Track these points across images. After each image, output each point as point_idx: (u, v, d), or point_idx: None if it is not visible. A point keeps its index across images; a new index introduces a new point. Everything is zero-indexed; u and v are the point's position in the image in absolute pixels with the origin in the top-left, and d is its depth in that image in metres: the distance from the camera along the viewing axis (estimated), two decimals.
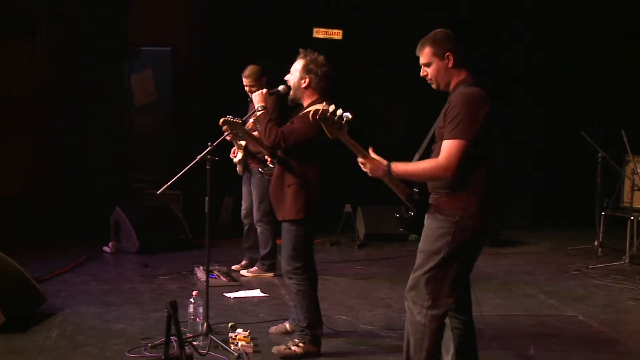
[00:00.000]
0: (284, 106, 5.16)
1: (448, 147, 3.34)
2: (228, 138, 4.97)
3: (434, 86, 3.62)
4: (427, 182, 3.51)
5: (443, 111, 3.48)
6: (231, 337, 4.78)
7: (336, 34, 10.09)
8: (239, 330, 4.87)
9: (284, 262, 4.66)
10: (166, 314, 4.23)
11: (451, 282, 3.47)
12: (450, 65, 3.53)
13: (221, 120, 4.76)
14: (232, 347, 4.64)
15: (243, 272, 6.87)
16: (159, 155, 10.17)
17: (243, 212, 6.94)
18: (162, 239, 8.05)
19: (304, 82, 4.56)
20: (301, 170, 4.51)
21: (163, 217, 8.31)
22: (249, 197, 6.79)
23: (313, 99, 4.57)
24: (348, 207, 8.63)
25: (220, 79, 9.66)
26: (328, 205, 4.69)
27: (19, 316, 5.08)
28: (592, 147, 7.99)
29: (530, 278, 7.07)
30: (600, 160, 8.02)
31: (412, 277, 3.57)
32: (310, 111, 4.52)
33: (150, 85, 10.40)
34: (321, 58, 4.60)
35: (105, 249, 7.88)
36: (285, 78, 4.68)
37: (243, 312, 5.59)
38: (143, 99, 10.43)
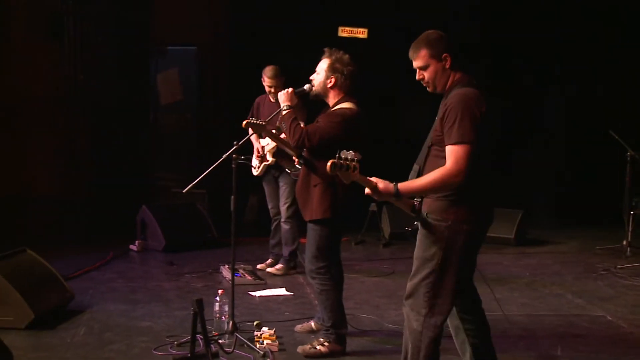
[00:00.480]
0: (313, 106, 5.14)
1: (454, 152, 3.25)
2: (255, 140, 5.00)
3: (429, 89, 3.53)
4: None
5: (439, 116, 3.39)
6: (257, 335, 4.79)
7: (361, 33, 10.06)
8: (265, 329, 4.88)
9: (307, 261, 4.66)
10: (192, 312, 4.26)
11: (449, 288, 3.38)
12: (447, 66, 3.45)
13: (244, 122, 4.78)
14: (258, 345, 4.65)
15: (269, 269, 6.88)
16: (184, 154, 10.22)
17: (272, 210, 6.94)
18: (187, 237, 8.10)
19: (330, 82, 4.55)
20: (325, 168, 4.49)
21: (189, 216, 8.36)
22: (276, 195, 6.83)
23: (339, 98, 4.56)
24: (373, 206, 8.61)
25: (245, 78, 9.68)
26: (354, 205, 4.67)
27: (47, 313, 5.14)
28: (620, 146, 7.89)
29: (557, 278, 7.00)
30: (629, 158, 7.92)
31: (409, 284, 3.50)
32: (336, 109, 4.53)
33: (176, 85, 10.45)
34: (346, 57, 4.59)
35: (132, 247, 7.94)
36: (311, 77, 4.67)
37: (268, 311, 5.61)
38: (169, 98, 10.49)
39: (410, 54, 3.51)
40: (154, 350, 4.61)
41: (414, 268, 3.50)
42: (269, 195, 6.93)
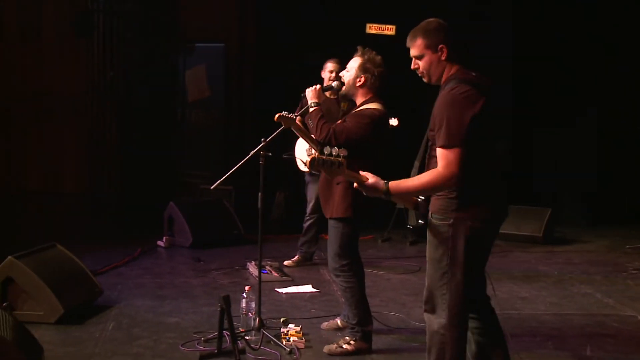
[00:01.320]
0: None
1: (444, 156, 3.18)
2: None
3: (425, 79, 3.45)
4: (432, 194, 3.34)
5: (432, 113, 3.33)
6: (283, 332, 4.80)
7: (389, 30, 10.02)
8: (291, 326, 4.89)
9: (330, 259, 4.65)
10: (219, 309, 4.28)
11: (462, 286, 3.31)
12: (443, 58, 3.35)
13: (276, 115, 4.76)
14: (284, 342, 4.66)
15: (286, 262, 6.89)
16: (212, 150, 10.26)
17: (312, 207, 6.85)
18: (214, 234, 8.13)
19: (360, 81, 4.55)
20: (351, 167, 4.47)
21: (216, 212, 8.38)
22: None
23: (367, 98, 4.55)
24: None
25: (272, 75, 9.71)
26: (380, 203, 4.65)
27: (76, 308, 5.20)
28: None
29: (585, 276, 6.93)
30: None
31: (425, 287, 3.46)
32: (364, 110, 4.51)
33: (204, 81, 10.50)
34: (378, 58, 4.57)
35: (159, 243, 7.99)
36: (341, 74, 4.67)
37: (295, 308, 5.61)
38: (196, 95, 10.53)
39: (407, 42, 3.44)
40: (181, 346, 4.64)
41: (427, 270, 3.45)
42: (311, 192, 6.82)
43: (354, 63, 4.57)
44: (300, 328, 4.85)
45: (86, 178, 9.45)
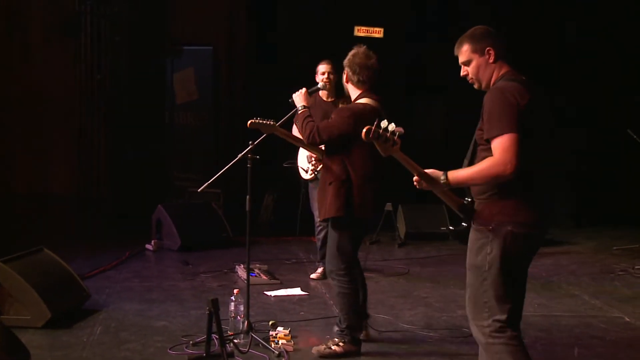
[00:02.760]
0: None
1: (500, 144, 3.08)
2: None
3: (475, 86, 3.40)
4: (490, 184, 3.21)
5: (481, 114, 3.26)
6: (272, 335, 4.79)
7: (377, 33, 10.05)
8: (280, 329, 4.88)
9: (327, 262, 4.66)
10: (207, 312, 4.26)
11: (504, 293, 3.21)
12: (490, 61, 3.32)
13: (249, 122, 4.75)
14: (273, 345, 4.65)
15: (312, 275, 6.65)
16: (200, 153, 10.25)
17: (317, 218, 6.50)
18: (203, 237, 8.12)
19: (343, 77, 4.59)
20: (343, 167, 4.48)
21: (204, 215, 8.38)
22: None
23: (358, 94, 4.56)
24: (389, 206, 8.57)
25: (261, 78, 9.71)
26: (378, 204, 4.63)
27: (64, 312, 5.17)
28: (637, 144, 7.83)
29: (573, 278, 6.96)
30: None
31: (467, 297, 3.33)
32: (348, 105, 4.53)
33: (192, 84, 10.49)
34: (362, 50, 4.56)
35: (148, 246, 7.97)
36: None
37: (283, 311, 5.61)
38: (185, 98, 10.52)
39: (455, 50, 3.41)
40: (170, 349, 4.62)
41: (467, 279, 3.33)
42: (316, 202, 6.60)
43: (346, 61, 4.59)
44: (289, 331, 4.84)
45: (74, 180, 9.41)
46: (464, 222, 3.34)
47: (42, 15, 9.26)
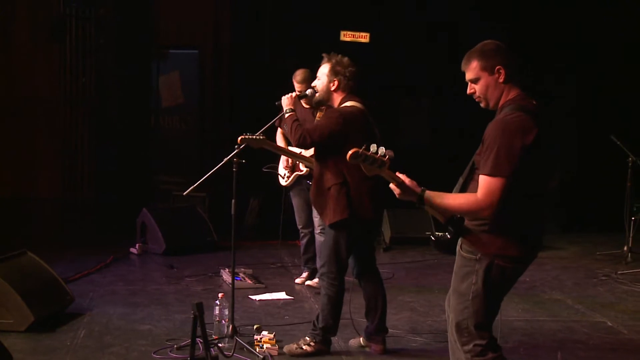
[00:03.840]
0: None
1: (487, 183, 3.02)
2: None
3: (482, 104, 3.25)
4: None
5: (483, 138, 3.16)
6: (256, 339, 4.79)
7: (363, 37, 10.08)
8: (264, 333, 4.87)
9: (320, 264, 4.67)
10: (192, 316, 4.25)
11: (484, 321, 3.22)
12: (501, 80, 3.15)
13: (239, 138, 4.76)
14: (257, 349, 4.65)
15: (309, 282, 6.51)
16: (185, 157, 10.24)
17: (301, 223, 6.47)
18: (188, 240, 8.10)
19: (333, 85, 4.59)
20: (338, 170, 4.49)
21: (189, 219, 8.36)
22: (306, 207, 6.33)
23: (341, 98, 4.60)
24: None
25: (247, 81, 9.71)
26: (381, 204, 4.63)
27: (48, 316, 5.14)
28: (621, 151, 7.90)
29: (557, 283, 7.00)
30: (630, 164, 7.92)
31: (449, 320, 3.32)
32: (344, 106, 4.53)
33: (178, 88, 10.47)
34: (346, 59, 4.63)
35: (132, 250, 7.94)
36: (313, 84, 4.69)
37: (268, 315, 5.60)
38: (170, 101, 10.51)
39: (462, 65, 3.24)
40: (154, 353, 4.61)
41: (451, 301, 3.31)
42: (299, 208, 6.44)
43: (324, 69, 4.61)
44: (274, 335, 4.84)
45: (59, 184, 9.37)
46: (449, 235, 3.22)
47: (27, 18, 9.23)
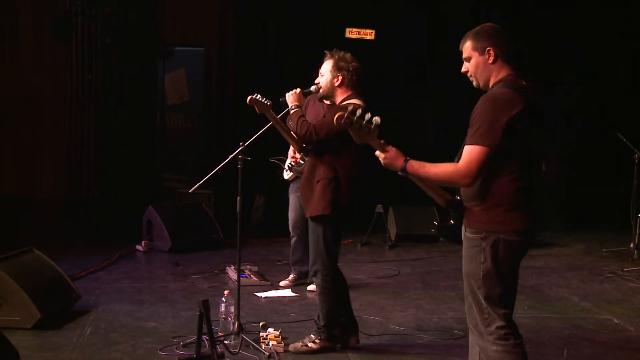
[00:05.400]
0: None
1: (468, 152, 3.12)
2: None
3: (474, 84, 3.37)
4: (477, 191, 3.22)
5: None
6: (262, 336, 4.79)
7: (368, 34, 10.07)
8: (270, 330, 4.88)
9: (312, 262, 4.65)
10: (198, 313, 4.26)
11: (497, 300, 3.21)
12: (490, 61, 3.28)
13: (249, 98, 4.73)
14: (263, 346, 4.65)
15: (310, 287, 6.25)
16: (191, 154, 10.24)
17: (291, 223, 6.32)
18: (193, 238, 8.10)
19: (337, 80, 4.58)
20: (331, 166, 4.51)
21: (195, 217, 8.36)
22: (299, 207, 6.06)
23: (346, 95, 4.58)
24: (379, 208, 8.60)
25: (252, 79, 9.70)
26: (363, 204, 4.65)
27: (54, 313, 5.15)
28: (627, 148, 7.88)
29: (563, 280, 6.98)
30: (636, 161, 7.90)
31: (467, 305, 3.33)
32: (344, 105, 4.52)
33: (183, 85, 10.47)
34: (348, 55, 4.64)
35: (138, 247, 7.95)
36: (316, 81, 4.68)
37: (274, 312, 5.61)
38: (176, 99, 10.51)
39: (460, 45, 3.39)
40: (160, 350, 4.62)
41: (465, 287, 3.33)
42: (294, 206, 6.26)
43: (327, 65, 4.61)
44: (280, 332, 4.84)
45: (64, 182, 9.39)
46: (452, 220, 3.34)
47: (33, 17, 9.24)
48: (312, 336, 4.63)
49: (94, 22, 9.35)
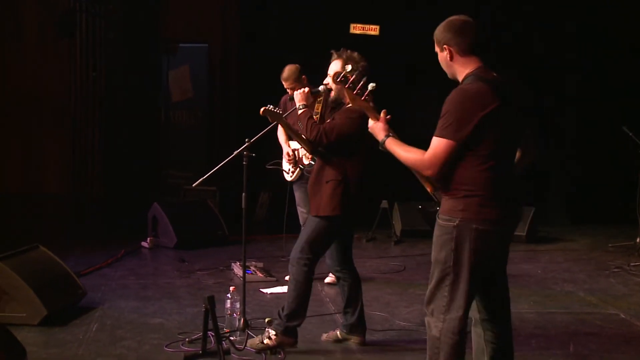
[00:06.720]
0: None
1: (435, 145, 3.13)
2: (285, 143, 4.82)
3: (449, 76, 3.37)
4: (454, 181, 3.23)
5: None
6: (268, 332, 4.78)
7: (373, 30, 10.05)
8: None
9: (295, 247, 4.57)
10: (204, 309, 4.27)
11: (464, 291, 3.20)
12: (448, 58, 3.27)
13: (262, 109, 4.73)
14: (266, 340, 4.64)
15: (327, 279, 6.34)
16: (196, 151, 10.25)
17: (303, 219, 6.32)
18: (199, 234, 8.11)
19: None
20: (341, 166, 4.48)
21: (200, 213, 8.37)
22: (307, 200, 5.95)
23: None
24: (384, 203, 8.59)
25: (256, 75, 9.70)
26: (365, 204, 4.64)
27: (60, 310, 5.16)
28: (633, 142, 7.85)
29: (568, 275, 6.97)
30: None
31: (428, 288, 3.35)
32: (351, 107, 4.50)
33: (187, 82, 10.48)
34: (356, 54, 4.57)
35: (143, 244, 7.97)
36: (325, 82, 4.63)
37: (279, 308, 5.59)
38: (180, 96, 10.51)
39: None
40: (166, 347, 4.62)
41: (431, 271, 3.34)
42: (302, 200, 6.34)
43: (335, 66, 4.56)
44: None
45: (69, 179, 9.40)
46: (438, 207, 3.34)
47: (37, 14, 9.25)
48: (270, 331, 4.55)
49: (98, 18, 9.35)
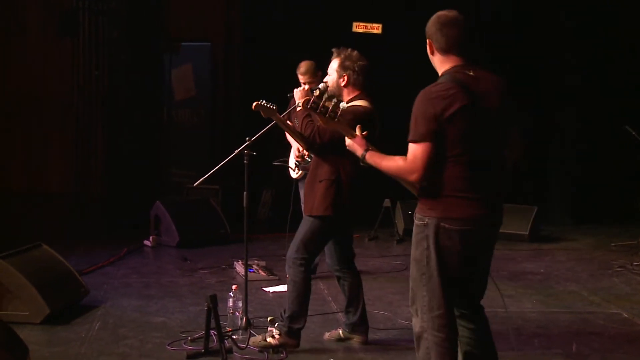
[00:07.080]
0: None
1: (411, 150, 3.13)
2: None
3: None
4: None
5: None
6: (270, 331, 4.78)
7: (375, 28, 10.03)
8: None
9: (290, 249, 4.58)
10: (206, 308, 4.27)
11: (439, 289, 3.21)
12: (429, 52, 3.30)
13: (254, 104, 4.72)
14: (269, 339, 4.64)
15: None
16: (198, 150, 10.25)
17: None
18: (201, 233, 8.11)
19: (343, 80, 4.52)
20: (335, 166, 4.46)
21: (202, 212, 8.37)
22: None
23: (353, 96, 4.52)
24: (387, 202, 8.58)
25: (259, 74, 9.70)
26: (362, 204, 4.62)
27: (62, 308, 5.17)
28: (636, 141, 7.84)
29: (571, 275, 6.96)
30: None
31: (410, 288, 3.36)
32: (349, 107, 4.49)
33: (190, 81, 10.48)
34: (355, 53, 4.55)
35: (146, 242, 7.97)
36: (325, 80, 4.63)
37: (281, 306, 5.55)
38: (182, 94, 10.52)
39: None
40: (168, 345, 4.63)
41: (410, 271, 3.37)
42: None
43: (333, 64, 4.55)
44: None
45: (72, 177, 9.41)
46: None
47: (40, 12, 9.26)
48: (273, 330, 4.56)
49: (101, 17, 9.35)
